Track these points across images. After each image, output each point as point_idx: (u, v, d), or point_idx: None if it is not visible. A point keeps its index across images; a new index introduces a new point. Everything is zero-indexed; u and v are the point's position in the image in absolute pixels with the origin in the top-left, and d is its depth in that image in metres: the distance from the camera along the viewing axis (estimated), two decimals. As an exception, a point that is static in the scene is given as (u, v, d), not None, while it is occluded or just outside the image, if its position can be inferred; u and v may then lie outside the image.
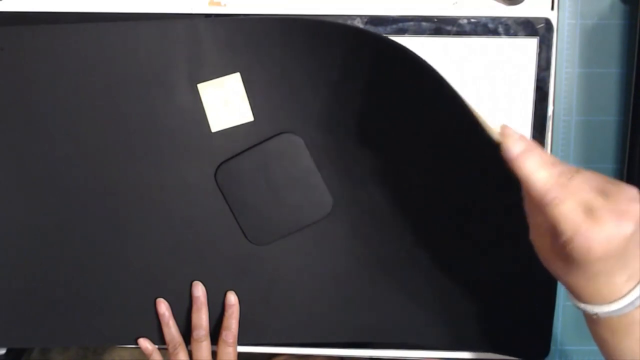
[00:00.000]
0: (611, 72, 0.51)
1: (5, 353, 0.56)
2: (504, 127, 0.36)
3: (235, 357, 0.52)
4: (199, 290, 0.51)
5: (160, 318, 0.52)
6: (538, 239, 0.37)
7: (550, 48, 0.49)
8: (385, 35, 0.49)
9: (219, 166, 0.49)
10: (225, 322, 0.51)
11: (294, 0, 0.49)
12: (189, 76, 0.48)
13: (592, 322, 0.37)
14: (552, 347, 0.53)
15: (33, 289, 0.52)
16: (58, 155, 0.49)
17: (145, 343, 0.52)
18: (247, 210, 0.50)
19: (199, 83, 0.48)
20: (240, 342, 0.52)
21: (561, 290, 0.53)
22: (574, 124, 0.51)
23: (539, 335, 0.51)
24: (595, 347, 0.44)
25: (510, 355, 0.52)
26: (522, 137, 0.36)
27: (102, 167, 0.50)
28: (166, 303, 0.52)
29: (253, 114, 0.48)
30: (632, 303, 0.34)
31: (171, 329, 0.52)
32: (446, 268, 0.50)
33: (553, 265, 0.36)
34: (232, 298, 0.51)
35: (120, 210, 0.50)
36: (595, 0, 0.50)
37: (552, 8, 0.49)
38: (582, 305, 0.36)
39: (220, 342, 0.51)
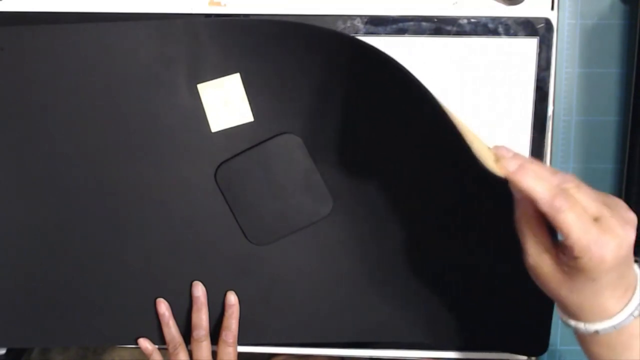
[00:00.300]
0: (611, 72, 0.51)
1: (5, 353, 0.56)
2: (497, 148, 0.36)
3: (236, 357, 0.52)
4: (199, 290, 0.51)
5: (160, 318, 0.52)
6: (538, 260, 0.36)
7: (550, 48, 0.49)
8: (384, 35, 0.49)
9: (218, 166, 0.49)
10: (225, 322, 0.51)
11: (294, 0, 0.49)
12: (189, 76, 0.48)
13: (589, 342, 0.36)
14: (552, 348, 0.53)
15: (33, 289, 0.52)
16: (58, 155, 0.49)
17: (145, 343, 0.52)
18: (247, 210, 0.50)
19: (199, 83, 0.48)
20: (240, 342, 0.52)
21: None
22: (574, 124, 0.51)
23: (538, 330, 0.51)
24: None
25: (509, 351, 0.52)
26: (516, 154, 0.35)
27: (102, 167, 0.50)
28: (166, 303, 0.52)
29: (253, 115, 0.49)
30: (631, 314, 0.34)
31: (171, 329, 0.52)
32: (444, 267, 0.50)
33: (556, 286, 0.35)
34: (232, 298, 0.51)
35: (120, 210, 0.50)
36: (595, 0, 0.50)
37: (552, 8, 0.49)
38: (582, 325, 0.35)
39: (221, 342, 0.51)
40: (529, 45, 0.49)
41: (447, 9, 0.49)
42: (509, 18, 0.49)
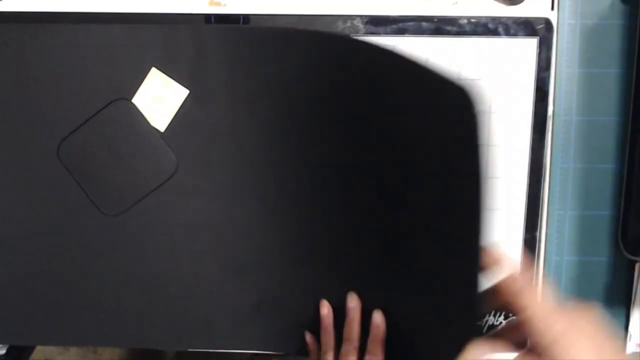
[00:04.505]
0: (611, 72, 0.51)
1: (6, 353, 0.56)
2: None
3: None
4: (354, 301, 0.47)
5: (322, 320, 0.49)
6: None
7: (550, 48, 0.49)
8: (384, 35, 0.49)
9: (60, 143, 0.49)
10: (370, 346, 0.47)
11: (293, 0, 0.49)
12: (191, 80, 0.48)
13: None
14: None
15: (33, 288, 0.52)
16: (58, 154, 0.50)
17: (311, 340, 0.49)
18: (95, 183, 0.49)
19: (131, 99, 0.47)
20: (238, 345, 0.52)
21: (566, 286, 0.53)
22: (574, 124, 0.51)
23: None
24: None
25: None
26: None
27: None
28: (329, 306, 0.49)
29: (186, 87, 0.48)
30: None
31: (330, 333, 0.48)
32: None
33: None
34: (378, 318, 0.46)
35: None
36: (595, 0, 0.50)
37: (552, 8, 0.49)
38: None
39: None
40: (529, 46, 0.49)
41: (447, 9, 0.49)
42: (509, 18, 0.49)
